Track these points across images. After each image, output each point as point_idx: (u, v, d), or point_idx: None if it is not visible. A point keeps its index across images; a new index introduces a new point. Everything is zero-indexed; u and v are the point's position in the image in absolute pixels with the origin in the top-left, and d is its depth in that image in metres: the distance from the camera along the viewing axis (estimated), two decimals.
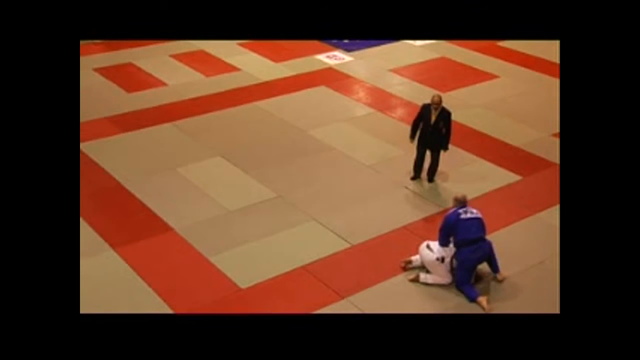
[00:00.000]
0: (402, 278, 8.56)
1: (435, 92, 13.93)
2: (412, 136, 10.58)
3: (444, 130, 10.38)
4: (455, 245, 8.38)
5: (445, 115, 10.36)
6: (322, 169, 11.09)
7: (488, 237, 9.29)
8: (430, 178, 10.75)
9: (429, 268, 8.43)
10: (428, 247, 8.47)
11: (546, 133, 12.22)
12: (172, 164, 11.07)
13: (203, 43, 16.04)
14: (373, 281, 8.47)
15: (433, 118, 10.32)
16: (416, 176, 10.77)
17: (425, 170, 10.78)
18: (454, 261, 8.40)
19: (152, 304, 8.03)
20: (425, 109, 10.41)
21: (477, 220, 8.46)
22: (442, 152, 10.62)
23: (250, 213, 9.83)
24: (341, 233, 9.37)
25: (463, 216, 8.39)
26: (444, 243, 8.44)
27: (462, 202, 8.57)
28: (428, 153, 10.68)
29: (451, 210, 8.64)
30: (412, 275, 8.50)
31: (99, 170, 10.82)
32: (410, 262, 8.66)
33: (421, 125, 10.47)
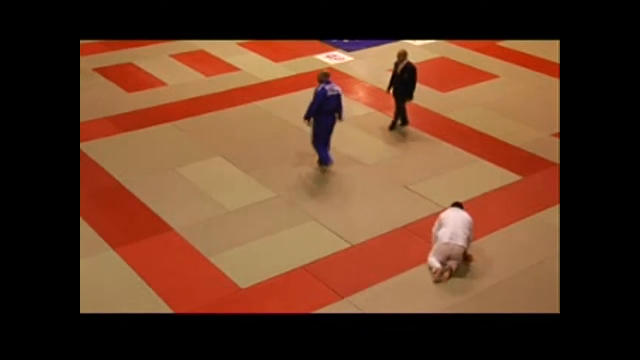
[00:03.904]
0: (402, 278, 8.56)
1: (435, 92, 14.02)
2: (389, 88, 12.33)
3: (407, 79, 11.95)
4: (318, 114, 10.66)
5: (410, 68, 12.00)
6: (322, 169, 11.09)
7: (488, 237, 9.37)
8: (393, 125, 12.32)
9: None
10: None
11: (546, 133, 12.22)
12: (172, 164, 11.08)
13: (203, 43, 16.05)
14: (373, 281, 8.47)
15: (399, 70, 12.04)
16: (404, 123, 12.37)
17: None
18: (315, 127, 10.77)
19: (152, 304, 8.03)
20: (395, 66, 12.17)
21: (339, 96, 10.78)
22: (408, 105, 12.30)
23: (250, 213, 9.84)
24: (341, 233, 9.37)
25: (330, 94, 10.67)
26: (312, 115, 10.68)
27: (328, 78, 10.77)
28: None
29: (319, 87, 10.69)
30: (446, 274, 8.52)
31: (99, 170, 10.82)
32: (441, 270, 8.55)
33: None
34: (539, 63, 15.43)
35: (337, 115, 10.94)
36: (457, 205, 8.99)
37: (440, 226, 8.69)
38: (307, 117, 10.86)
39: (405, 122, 12.40)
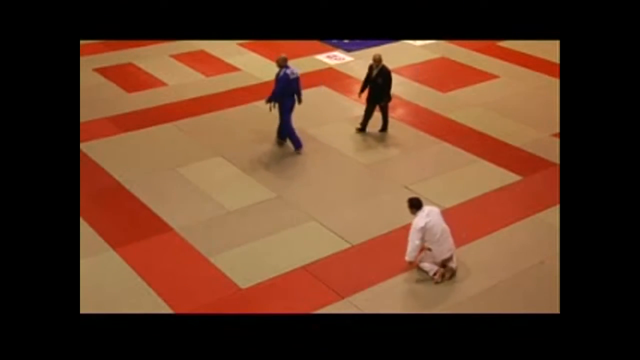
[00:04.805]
0: (402, 278, 8.56)
1: (435, 92, 14.02)
2: (361, 91, 12.21)
3: (381, 83, 11.77)
4: (281, 97, 11.23)
5: (384, 72, 11.83)
6: (322, 169, 11.10)
7: (488, 237, 9.37)
8: (382, 128, 12.21)
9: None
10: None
11: (546, 133, 12.22)
12: (172, 164, 11.08)
13: (203, 43, 16.05)
14: (373, 281, 8.47)
15: (373, 74, 11.86)
16: (362, 129, 12.20)
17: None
18: (280, 107, 11.30)
19: (152, 304, 8.03)
20: (370, 69, 11.98)
21: (298, 79, 11.39)
22: (389, 107, 12.22)
23: (250, 213, 9.83)
24: (341, 233, 9.37)
25: (292, 77, 11.24)
26: (278, 98, 11.22)
27: (286, 62, 11.25)
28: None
29: (282, 73, 11.21)
30: (447, 274, 8.52)
31: (99, 170, 10.82)
32: (442, 272, 8.55)
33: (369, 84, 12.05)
34: (539, 63, 15.43)
35: (296, 97, 11.44)
36: (417, 204, 8.59)
37: (430, 239, 8.43)
38: (270, 100, 11.34)
39: (383, 128, 12.20)
